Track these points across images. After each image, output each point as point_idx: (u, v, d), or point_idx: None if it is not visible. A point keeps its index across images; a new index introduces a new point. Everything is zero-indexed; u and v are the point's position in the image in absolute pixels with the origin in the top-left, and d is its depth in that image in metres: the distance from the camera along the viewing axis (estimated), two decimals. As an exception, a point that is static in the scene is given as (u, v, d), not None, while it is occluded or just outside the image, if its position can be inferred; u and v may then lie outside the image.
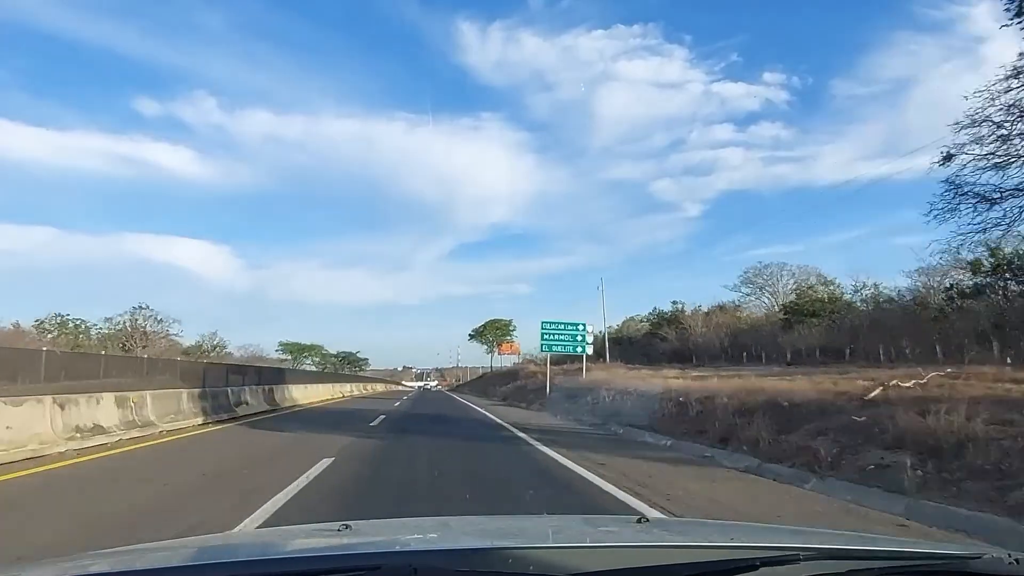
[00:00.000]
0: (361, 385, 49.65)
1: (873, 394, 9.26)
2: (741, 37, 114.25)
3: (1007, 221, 13.03)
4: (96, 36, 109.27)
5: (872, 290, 36.46)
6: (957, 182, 13.10)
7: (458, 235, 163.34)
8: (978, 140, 12.50)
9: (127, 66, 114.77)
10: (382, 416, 17.97)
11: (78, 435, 9.88)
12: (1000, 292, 24.93)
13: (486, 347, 72.91)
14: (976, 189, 13.00)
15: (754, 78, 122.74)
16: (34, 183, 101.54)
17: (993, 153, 12.47)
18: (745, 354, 39.12)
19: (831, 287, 42.91)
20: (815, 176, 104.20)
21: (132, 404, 11.85)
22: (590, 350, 26.66)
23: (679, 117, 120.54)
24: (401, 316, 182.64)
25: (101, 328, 47.40)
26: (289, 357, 77.07)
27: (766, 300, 48.13)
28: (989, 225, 13.20)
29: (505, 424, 15.86)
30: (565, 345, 25.78)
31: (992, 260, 23.81)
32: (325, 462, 8.20)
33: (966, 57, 67.90)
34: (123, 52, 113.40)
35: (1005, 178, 12.65)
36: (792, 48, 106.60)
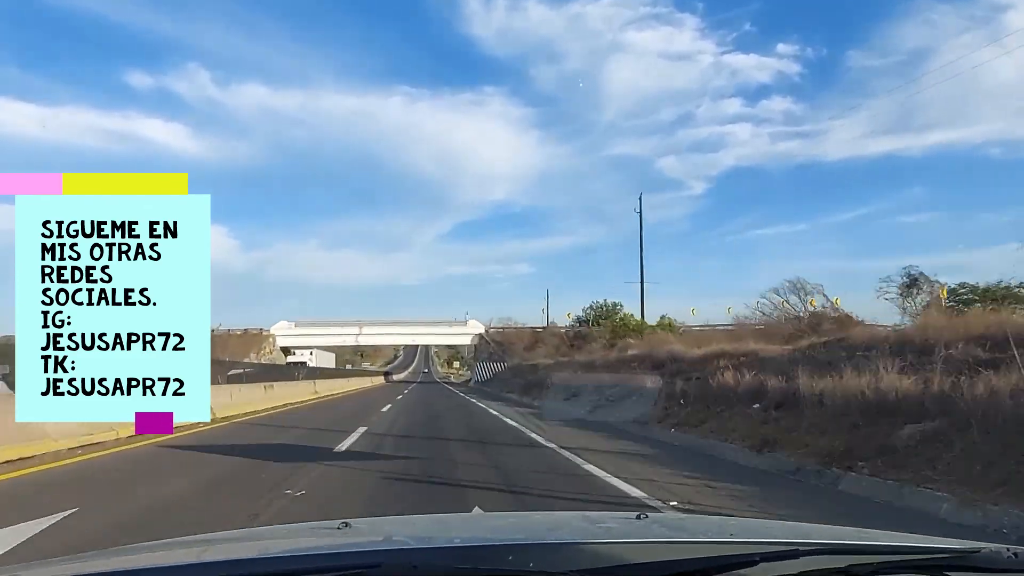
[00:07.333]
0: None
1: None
2: (756, 4, 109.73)
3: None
4: (86, 4, 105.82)
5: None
6: None
7: (458, 214, 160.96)
8: None
9: (118, 37, 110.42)
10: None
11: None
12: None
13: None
14: None
15: (767, 50, 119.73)
16: (22, 160, 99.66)
17: None
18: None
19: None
20: (824, 152, 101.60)
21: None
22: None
23: (688, 91, 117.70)
24: (399, 296, 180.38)
25: None
26: None
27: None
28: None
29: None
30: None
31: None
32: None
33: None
34: (114, 22, 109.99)
35: None
36: (808, 17, 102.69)
